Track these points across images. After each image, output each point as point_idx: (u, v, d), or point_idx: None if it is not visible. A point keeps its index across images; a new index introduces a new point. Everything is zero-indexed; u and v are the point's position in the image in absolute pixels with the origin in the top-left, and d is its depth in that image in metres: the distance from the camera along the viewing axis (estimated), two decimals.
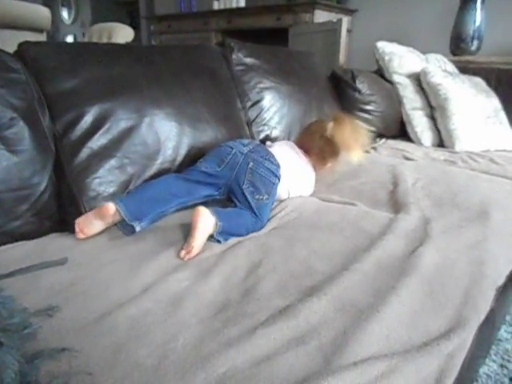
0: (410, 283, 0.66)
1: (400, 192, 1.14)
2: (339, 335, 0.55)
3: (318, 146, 1.21)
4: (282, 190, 1.09)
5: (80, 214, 0.91)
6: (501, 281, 0.77)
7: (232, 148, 1.03)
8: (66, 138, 0.93)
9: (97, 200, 0.93)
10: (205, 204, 0.91)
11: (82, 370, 0.50)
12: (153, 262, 0.77)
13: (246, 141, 1.09)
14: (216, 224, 0.85)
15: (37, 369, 0.50)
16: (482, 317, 0.64)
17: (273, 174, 1.03)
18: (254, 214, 0.95)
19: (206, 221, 0.83)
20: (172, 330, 0.57)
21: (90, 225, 0.87)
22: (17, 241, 0.85)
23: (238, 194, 0.98)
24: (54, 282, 0.70)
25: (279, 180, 1.05)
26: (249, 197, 0.97)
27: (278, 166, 1.06)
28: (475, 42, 2.50)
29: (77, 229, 0.86)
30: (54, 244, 0.85)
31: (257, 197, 0.97)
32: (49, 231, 0.91)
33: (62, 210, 0.94)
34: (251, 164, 1.01)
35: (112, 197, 0.95)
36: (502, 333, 1.14)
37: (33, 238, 0.87)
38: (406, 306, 0.62)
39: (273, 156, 1.07)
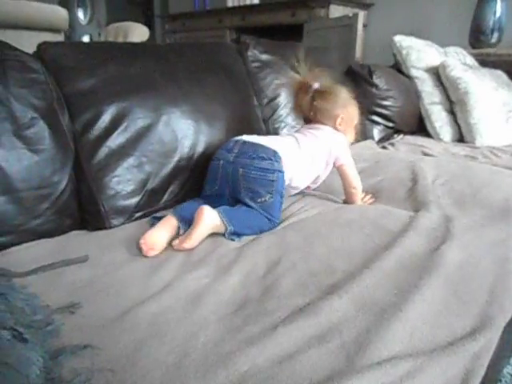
0: (433, 282, 0.65)
1: (420, 189, 1.12)
2: (362, 334, 0.54)
3: (307, 104, 1.11)
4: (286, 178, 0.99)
5: (99, 212, 0.93)
6: None
7: (219, 159, 0.97)
8: (84, 137, 0.94)
9: (115, 198, 0.94)
10: None
11: (104, 367, 0.50)
12: (172, 259, 0.78)
13: (230, 144, 0.99)
14: (225, 226, 0.85)
15: (60, 365, 0.50)
16: (509, 316, 0.62)
17: (268, 170, 0.94)
18: (264, 215, 0.93)
19: (206, 218, 0.83)
20: (192, 327, 0.57)
21: (157, 240, 0.82)
22: (38, 238, 0.86)
23: (242, 203, 0.95)
24: (75, 279, 0.70)
25: (281, 171, 0.95)
26: (251, 203, 0.93)
27: (272, 156, 0.95)
28: (495, 34, 2.43)
29: (145, 248, 0.79)
30: (74, 242, 0.87)
31: (259, 200, 0.93)
32: (69, 229, 0.92)
33: (81, 208, 0.95)
34: (241, 170, 0.94)
35: (131, 195, 0.96)
36: None
37: (54, 236, 0.88)
38: (430, 304, 0.60)
39: (262, 147, 0.97)
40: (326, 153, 1.07)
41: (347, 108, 1.13)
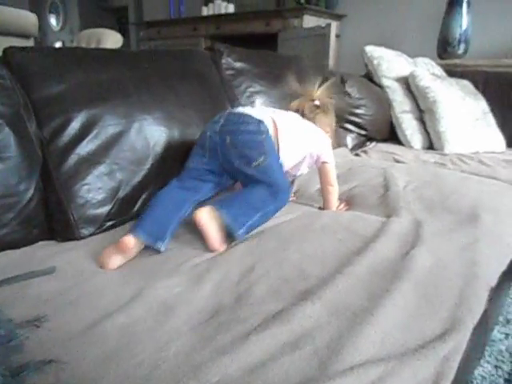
0: (404, 286, 0.66)
1: (391, 195, 1.14)
2: (334, 339, 0.54)
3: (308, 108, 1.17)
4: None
5: (68, 221, 0.90)
6: (493, 281, 0.77)
7: (206, 132, 0.97)
8: (53, 145, 0.91)
9: (85, 207, 0.92)
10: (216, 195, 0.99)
11: (70, 382, 0.48)
12: (143, 269, 0.76)
13: (217, 117, 0.99)
14: (222, 220, 0.84)
15: (22, 382, 0.48)
16: (477, 318, 0.64)
17: (254, 132, 0.93)
18: (265, 183, 0.91)
19: (206, 218, 0.83)
20: (163, 338, 0.56)
21: (109, 260, 0.77)
22: (3, 250, 0.83)
23: (238, 173, 0.95)
24: (41, 291, 0.68)
25: (267, 133, 0.95)
26: (246, 169, 0.91)
27: (258, 121, 0.95)
28: (462, 46, 2.53)
29: (99, 263, 0.78)
30: (41, 253, 0.84)
31: (253, 164, 0.91)
32: (36, 239, 0.89)
33: (49, 217, 0.92)
34: (228, 138, 0.93)
35: (101, 203, 0.94)
36: (496, 333, 1.13)
37: (20, 247, 0.85)
38: (401, 308, 0.61)
39: (248, 115, 0.97)
40: (314, 142, 1.09)
41: (332, 124, 1.24)
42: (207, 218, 0.83)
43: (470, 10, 2.47)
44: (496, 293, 0.75)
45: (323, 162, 1.09)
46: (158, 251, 0.82)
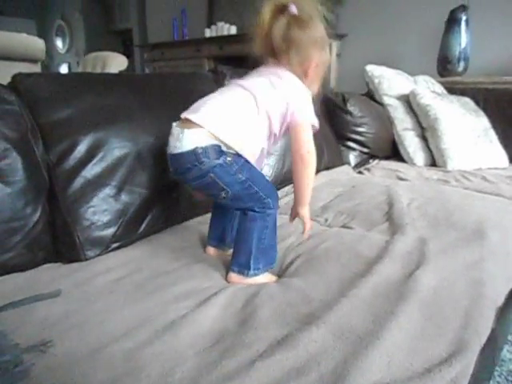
0: (409, 308, 0.66)
1: (395, 213, 1.14)
2: (340, 364, 0.54)
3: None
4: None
5: (73, 243, 0.91)
6: (500, 300, 0.76)
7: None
8: (59, 168, 0.92)
9: (91, 229, 0.92)
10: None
11: None
12: (150, 291, 0.76)
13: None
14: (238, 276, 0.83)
15: None
16: (484, 339, 0.63)
17: (198, 176, 0.79)
18: (239, 208, 0.85)
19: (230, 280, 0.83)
20: (169, 363, 0.56)
21: None
22: (8, 273, 0.83)
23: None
24: (47, 315, 0.68)
25: (215, 166, 0.77)
26: (221, 202, 0.86)
27: (196, 161, 0.77)
28: (462, 64, 2.56)
29: None
30: (47, 275, 0.84)
31: (221, 198, 0.82)
32: (42, 262, 0.90)
33: (55, 240, 0.93)
34: (188, 186, 0.88)
35: (107, 225, 0.94)
36: (505, 353, 1.12)
37: (25, 270, 0.85)
38: (406, 331, 0.61)
39: (179, 155, 0.80)
40: (283, 108, 0.85)
41: (323, 51, 0.90)
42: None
43: (468, 29, 2.51)
44: (503, 312, 0.75)
45: (294, 122, 0.85)
46: (168, 272, 0.82)
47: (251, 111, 0.83)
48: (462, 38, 2.51)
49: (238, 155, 0.81)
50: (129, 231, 0.99)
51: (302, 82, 0.88)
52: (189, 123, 0.81)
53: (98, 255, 0.93)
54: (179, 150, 0.80)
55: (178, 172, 0.84)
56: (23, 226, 0.86)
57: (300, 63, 0.87)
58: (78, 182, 0.93)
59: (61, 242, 0.93)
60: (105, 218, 0.95)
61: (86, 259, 0.91)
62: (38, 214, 0.88)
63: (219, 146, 0.79)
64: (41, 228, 0.89)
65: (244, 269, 0.82)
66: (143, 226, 1.02)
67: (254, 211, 0.82)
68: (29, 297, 0.73)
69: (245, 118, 0.83)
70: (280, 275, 0.86)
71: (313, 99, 0.89)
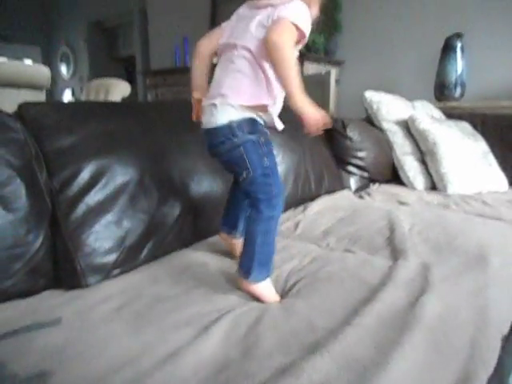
0: (414, 337, 0.65)
1: (397, 238, 1.14)
2: None
3: None
4: None
5: (75, 270, 0.90)
6: (506, 328, 0.76)
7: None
8: (62, 195, 0.93)
9: (92, 256, 0.92)
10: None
11: None
12: (151, 318, 0.75)
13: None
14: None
15: None
16: (491, 369, 0.62)
17: (229, 148, 0.81)
18: (250, 197, 0.85)
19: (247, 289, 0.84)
20: None
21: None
22: (9, 300, 0.82)
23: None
24: (47, 344, 0.67)
25: (247, 141, 0.80)
26: (239, 183, 0.87)
27: (230, 134, 0.80)
28: (458, 89, 2.61)
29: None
30: (47, 303, 0.83)
31: (240, 179, 0.84)
32: (43, 289, 0.89)
33: (56, 266, 0.93)
34: (220, 160, 0.89)
35: (108, 252, 0.94)
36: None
37: (26, 297, 0.85)
38: (411, 361, 0.60)
39: (215, 129, 0.83)
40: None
41: None
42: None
43: (463, 55, 2.57)
44: (509, 340, 0.74)
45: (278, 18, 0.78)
46: (168, 298, 0.82)
47: (255, 71, 0.81)
48: (458, 65, 2.57)
49: (268, 140, 0.84)
50: (130, 257, 0.99)
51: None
52: (219, 99, 0.83)
53: (99, 282, 0.92)
54: (214, 125, 0.83)
55: (212, 145, 0.86)
56: (25, 252, 0.86)
57: None
58: (81, 209, 0.93)
59: (62, 268, 0.92)
60: (106, 245, 0.95)
61: (87, 286, 0.91)
62: (39, 241, 0.88)
63: (253, 120, 0.81)
64: (42, 255, 0.89)
65: (246, 273, 0.83)
66: (144, 252, 1.02)
67: (260, 211, 0.83)
68: (29, 325, 0.72)
69: (256, 80, 0.82)
70: (283, 296, 0.85)
71: (312, 24, 0.84)
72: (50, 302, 0.84)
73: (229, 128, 0.81)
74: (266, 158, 0.83)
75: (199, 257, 1.04)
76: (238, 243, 0.98)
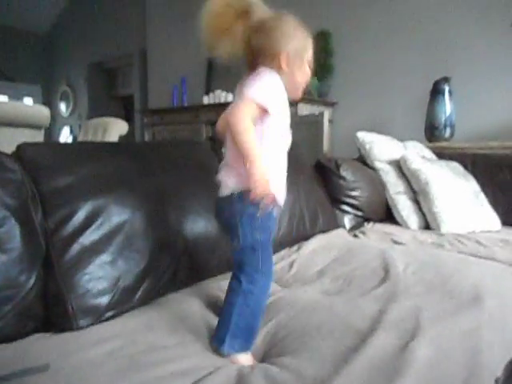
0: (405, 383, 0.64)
1: (391, 279, 1.14)
2: None
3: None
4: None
5: (66, 312, 0.89)
6: (499, 371, 0.74)
7: None
8: (57, 235, 0.93)
9: (85, 297, 0.91)
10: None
11: None
12: (147, 367, 0.73)
13: None
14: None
15: None
16: None
17: (230, 215, 0.85)
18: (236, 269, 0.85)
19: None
20: None
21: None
22: None
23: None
24: None
25: (238, 205, 0.83)
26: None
27: (234, 199, 0.84)
28: (448, 130, 2.68)
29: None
30: (36, 347, 0.81)
31: (232, 245, 0.86)
32: (32, 332, 0.87)
33: (47, 308, 0.91)
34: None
35: (101, 293, 0.93)
36: None
37: (13, 340, 0.82)
38: None
39: (221, 199, 0.88)
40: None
41: (293, 40, 0.87)
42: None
43: (452, 98, 2.66)
44: (502, 382, 0.73)
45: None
46: (165, 348, 0.80)
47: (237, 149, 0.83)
48: (447, 107, 2.66)
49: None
50: (124, 299, 0.97)
51: (277, 75, 0.86)
52: (223, 171, 0.90)
53: (91, 324, 0.90)
54: (220, 195, 0.89)
55: (217, 212, 0.91)
56: (16, 294, 0.85)
57: (271, 61, 0.86)
58: (75, 249, 0.93)
59: (53, 310, 0.91)
60: (100, 286, 0.94)
61: (78, 329, 0.88)
62: (31, 282, 0.88)
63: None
64: (33, 296, 0.88)
65: (220, 343, 0.82)
66: (139, 293, 1.00)
67: (240, 282, 0.83)
68: (16, 371, 0.70)
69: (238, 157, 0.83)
70: (272, 352, 0.83)
71: (304, 92, 0.90)
72: (39, 346, 0.82)
73: (230, 198, 0.85)
74: (258, 233, 0.84)
75: (197, 305, 1.00)
76: None
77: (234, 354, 0.81)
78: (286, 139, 0.92)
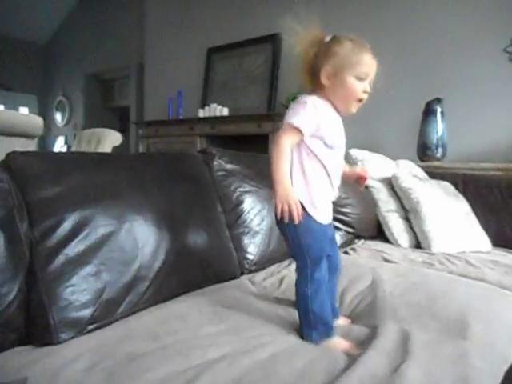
0: None
1: (378, 303, 1.12)
2: None
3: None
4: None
5: (47, 325, 0.87)
6: None
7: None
8: (42, 245, 0.92)
9: (67, 310, 0.89)
10: None
11: None
12: (123, 381, 0.71)
13: None
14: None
15: None
16: None
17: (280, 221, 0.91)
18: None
19: None
20: None
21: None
22: None
23: None
24: None
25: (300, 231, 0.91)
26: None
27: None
28: (440, 150, 2.71)
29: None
30: (15, 360, 0.79)
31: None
32: (12, 345, 0.85)
33: (29, 321, 0.89)
34: None
35: (84, 306, 0.91)
36: None
37: None
38: None
39: None
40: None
41: (333, 57, 0.89)
42: None
43: (444, 119, 2.69)
44: None
45: None
46: (143, 355, 0.79)
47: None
48: (439, 127, 2.69)
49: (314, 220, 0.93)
50: (107, 312, 0.96)
51: (316, 95, 0.92)
52: None
53: (72, 337, 0.88)
54: None
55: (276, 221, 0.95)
56: None
57: (317, 83, 0.92)
58: (59, 260, 0.92)
59: (35, 323, 0.89)
60: (83, 298, 0.92)
61: (59, 342, 0.87)
62: (13, 294, 0.86)
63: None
64: (14, 308, 0.86)
65: (302, 334, 0.91)
66: (123, 306, 0.99)
67: (300, 274, 0.93)
68: None
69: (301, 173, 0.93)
70: None
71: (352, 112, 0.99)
72: (18, 359, 0.80)
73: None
74: (302, 238, 0.92)
75: (177, 309, 1.01)
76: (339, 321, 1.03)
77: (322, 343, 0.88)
78: (336, 155, 0.99)
